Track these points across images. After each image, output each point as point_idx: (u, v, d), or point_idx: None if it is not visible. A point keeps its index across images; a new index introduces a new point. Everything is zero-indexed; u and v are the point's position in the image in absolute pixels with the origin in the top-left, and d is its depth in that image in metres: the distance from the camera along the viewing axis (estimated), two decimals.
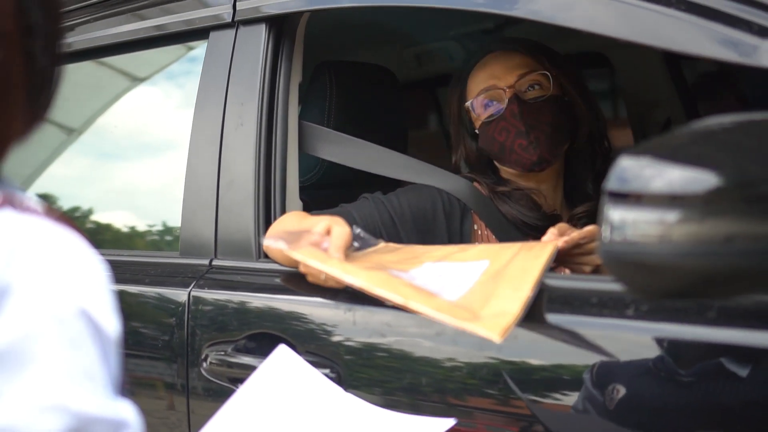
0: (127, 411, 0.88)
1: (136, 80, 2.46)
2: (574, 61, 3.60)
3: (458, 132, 2.13)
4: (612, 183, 1.12)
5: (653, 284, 1.14)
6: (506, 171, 2.10)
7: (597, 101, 2.15)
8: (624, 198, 1.12)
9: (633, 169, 1.12)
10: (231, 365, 1.78)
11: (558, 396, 1.45)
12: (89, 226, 2.55)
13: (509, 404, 1.49)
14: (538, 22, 1.62)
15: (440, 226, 1.97)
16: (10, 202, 0.88)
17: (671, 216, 1.10)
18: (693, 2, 1.44)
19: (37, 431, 0.81)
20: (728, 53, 1.41)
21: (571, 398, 1.43)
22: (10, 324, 0.82)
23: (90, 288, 0.87)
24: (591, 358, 1.41)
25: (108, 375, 0.87)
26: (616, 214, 1.12)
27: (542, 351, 1.47)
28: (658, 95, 3.02)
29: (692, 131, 1.16)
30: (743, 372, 1.31)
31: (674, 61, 2.98)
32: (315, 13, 2.02)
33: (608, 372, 1.39)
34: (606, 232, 1.13)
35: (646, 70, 3.01)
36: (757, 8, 1.38)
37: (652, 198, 1.11)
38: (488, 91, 2.04)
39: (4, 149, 0.95)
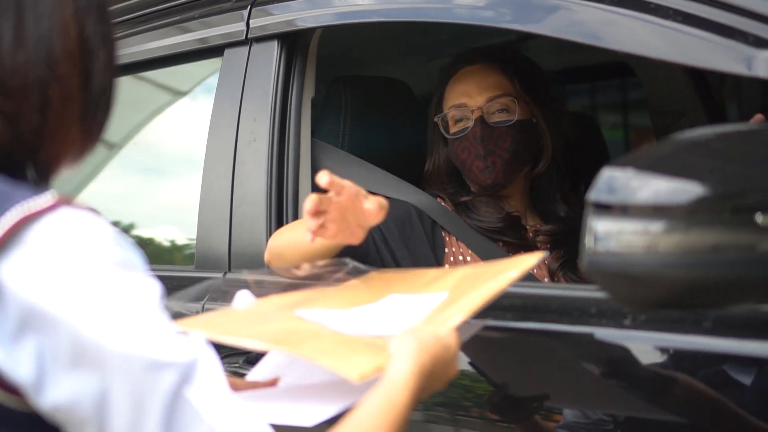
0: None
1: (157, 97, 2.51)
2: (601, 72, 3.64)
3: (434, 137, 2.19)
4: (596, 194, 1.13)
5: (639, 295, 1.14)
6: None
7: (567, 125, 2.20)
8: (609, 209, 1.13)
9: (618, 180, 1.13)
10: (243, 377, 1.80)
11: (556, 405, 1.46)
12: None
13: (512, 413, 1.51)
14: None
15: (418, 230, 2.03)
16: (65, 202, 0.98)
17: (657, 226, 1.10)
18: (690, 13, 1.45)
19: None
20: (725, 64, 1.42)
21: (571, 406, 1.44)
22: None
23: (125, 255, 0.99)
24: (589, 367, 1.43)
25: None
26: (600, 225, 1.13)
27: (540, 359, 1.49)
28: (682, 105, 3.00)
29: (676, 142, 1.17)
30: (746, 381, 1.31)
31: (699, 71, 2.97)
32: (329, 29, 2.05)
33: (619, 380, 1.40)
34: (590, 243, 1.13)
35: (670, 79, 3.00)
36: (752, 19, 1.39)
37: (637, 209, 1.11)
38: (459, 108, 2.11)
39: (60, 163, 1.05)
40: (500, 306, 1.55)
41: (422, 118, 2.48)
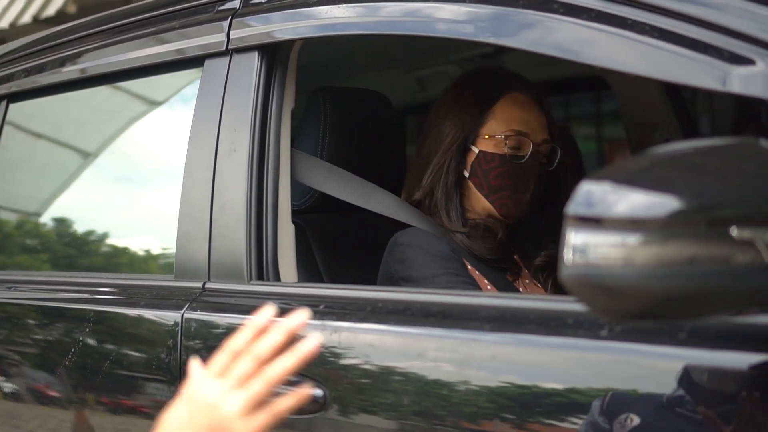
0: None
1: (137, 107, 2.51)
2: (577, 85, 3.68)
3: (448, 145, 2.13)
4: (575, 207, 1.15)
5: (616, 306, 1.16)
6: (475, 203, 2.14)
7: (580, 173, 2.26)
8: (587, 221, 1.15)
9: (596, 194, 1.15)
10: None
11: (539, 417, 1.47)
12: (94, 249, 2.59)
13: (492, 424, 1.52)
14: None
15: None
16: None
17: (634, 239, 1.12)
18: (666, 29, 1.47)
19: None
20: (701, 80, 1.44)
21: (552, 420, 1.45)
22: None
23: None
24: (568, 380, 1.44)
25: None
26: (578, 237, 1.15)
27: (521, 371, 1.50)
28: (657, 118, 3.04)
29: (653, 156, 1.19)
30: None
31: (673, 85, 3.01)
32: (310, 41, 2.06)
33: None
34: (569, 255, 1.15)
35: (644, 92, 3.03)
36: (727, 35, 1.41)
37: (614, 221, 1.13)
38: (521, 136, 2.10)
39: None
40: (478, 317, 1.58)
41: (401, 132, 2.50)
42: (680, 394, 1.33)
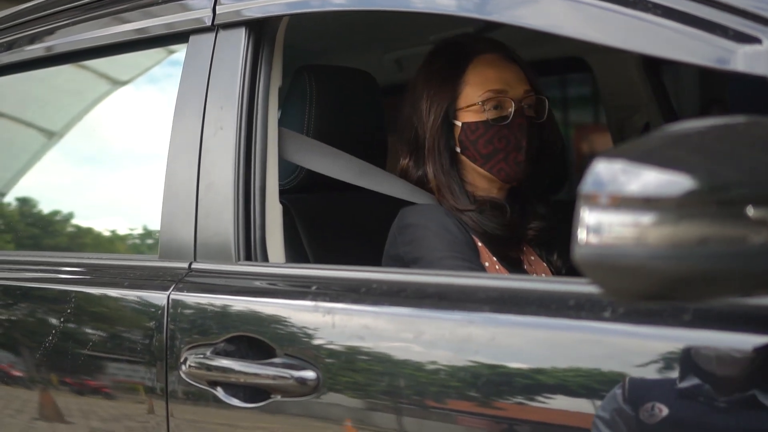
0: None
1: (117, 84, 2.46)
2: (554, 66, 3.66)
3: (435, 124, 2.09)
4: (587, 186, 1.13)
5: (628, 286, 1.14)
6: (474, 177, 2.11)
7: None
8: (599, 200, 1.13)
9: (608, 173, 1.13)
10: (210, 368, 1.78)
11: (539, 400, 1.45)
12: (70, 229, 2.55)
13: (490, 407, 1.50)
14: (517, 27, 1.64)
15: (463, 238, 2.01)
16: None
17: (646, 218, 1.11)
18: (669, 7, 1.45)
19: None
20: (704, 58, 1.42)
21: (552, 403, 1.43)
22: None
23: None
24: (569, 362, 1.43)
25: None
26: (591, 216, 1.13)
27: (520, 354, 1.48)
28: (637, 100, 3.04)
29: (666, 135, 1.18)
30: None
31: (653, 66, 3.01)
32: (295, 18, 2.02)
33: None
34: (582, 235, 1.13)
35: (625, 75, 3.03)
36: (732, 13, 1.40)
37: (627, 201, 1.12)
38: (500, 94, 2.07)
39: None
40: (475, 299, 1.56)
41: (385, 110, 2.47)
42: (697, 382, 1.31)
